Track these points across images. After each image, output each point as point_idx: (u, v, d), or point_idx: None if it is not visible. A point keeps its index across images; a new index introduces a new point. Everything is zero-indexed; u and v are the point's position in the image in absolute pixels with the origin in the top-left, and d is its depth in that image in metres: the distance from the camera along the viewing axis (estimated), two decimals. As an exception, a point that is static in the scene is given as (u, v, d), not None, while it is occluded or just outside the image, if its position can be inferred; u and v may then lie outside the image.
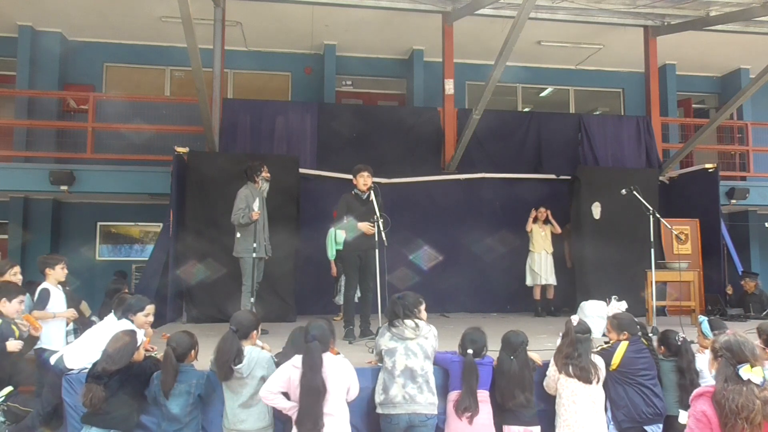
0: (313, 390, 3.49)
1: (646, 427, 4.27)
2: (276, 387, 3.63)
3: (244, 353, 3.85)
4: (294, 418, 3.56)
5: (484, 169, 9.48)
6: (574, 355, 4.16)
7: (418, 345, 4.06)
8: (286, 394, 3.65)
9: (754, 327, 4.52)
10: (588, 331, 4.33)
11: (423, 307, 4.32)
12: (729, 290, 8.72)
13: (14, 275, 5.23)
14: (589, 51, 11.33)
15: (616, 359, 4.33)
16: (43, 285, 5.30)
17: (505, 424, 4.17)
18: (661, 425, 4.32)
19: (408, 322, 4.11)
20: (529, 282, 8.77)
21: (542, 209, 8.78)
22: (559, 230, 8.81)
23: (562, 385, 4.22)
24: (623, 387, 4.30)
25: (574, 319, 4.38)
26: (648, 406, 4.26)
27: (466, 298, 9.09)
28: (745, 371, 2.71)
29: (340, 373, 3.67)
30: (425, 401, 3.96)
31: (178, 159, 7.92)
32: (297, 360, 3.62)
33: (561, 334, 4.42)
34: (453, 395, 4.18)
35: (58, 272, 5.37)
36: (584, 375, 4.13)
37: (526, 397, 4.15)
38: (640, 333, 4.47)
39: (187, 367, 3.95)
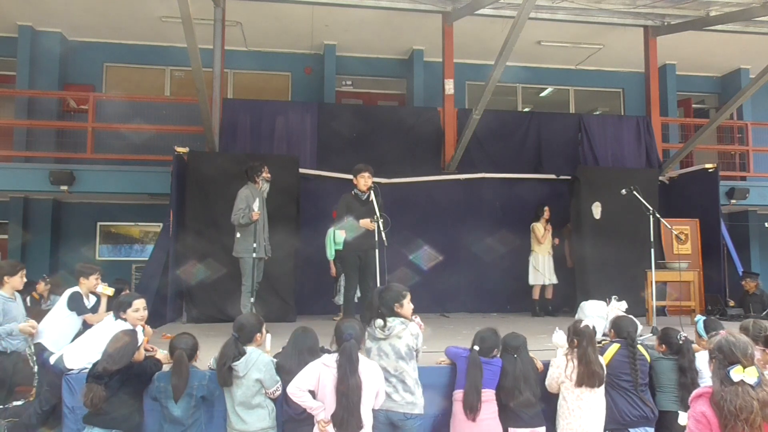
0: (353, 389, 3.47)
1: (631, 430, 4.26)
2: (305, 384, 3.59)
3: (245, 353, 3.85)
4: (318, 418, 3.55)
5: (484, 169, 9.47)
6: (591, 360, 4.11)
7: (389, 345, 4.02)
8: (312, 393, 3.63)
9: (754, 327, 4.53)
10: (594, 332, 4.34)
11: (406, 300, 4.14)
12: (731, 303, 8.60)
13: (21, 277, 5.27)
14: (589, 51, 11.33)
15: (604, 360, 4.33)
16: (75, 288, 5.37)
17: (510, 426, 4.16)
18: (650, 429, 4.30)
19: (378, 321, 4.04)
20: (531, 281, 8.76)
21: (546, 208, 8.80)
22: (557, 241, 8.83)
23: (567, 389, 4.19)
24: (607, 389, 4.27)
25: (588, 322, 4.35)
26: (634, 408, 4.24)
27: (466, 298, 9.09)
28: (736, 372, 2.70)
29: (372, 375, 3.66)
30: (401, 400, 3.95)
31: (178, 159, 7.92)
32: (328, 359, 3.61)
33: (568, 341, 4.32)
34: (458, 394, 4.17)
35: (91, 282, 5.44)
36: (592, 380, 4.10)
37: (533, 394, 4.15)
38: (626, 339, 4.44)
39: (190, 368, 3.96)
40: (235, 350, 3.85)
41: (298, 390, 3.59)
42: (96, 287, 5.46)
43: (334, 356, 3.60)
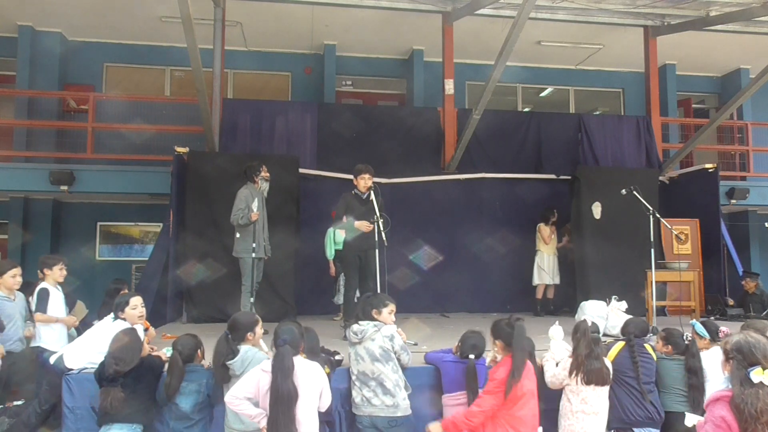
0: (284, 396, 3.31)
1: (636, 430, 4.26)
2: (242, 392, 3.45)
3: (238, 351, 3.84)
4: (261, 425, 3.44)
5: (484, 169, 9.47)
6: (593, 355, 4.11)
7: (364, 349, 4.07)
8: (253, 400, 3.50)
9: (754, 327, 4.54)
10: (598, 329, 4.35)
11: (387, 309, 4.22)
12: (731, 302, 8.64)
13: (13, 277, 5.22)
14: (589, 51, 11.32)
15: (610, 357, 4.35)
16: (42, 285, 5.31)
17: None
18: (655, 430, 4.29)
19: (353, 326, 4.13)
20: (536, 281, 8.77)
21: (555, 211, 8.83)
22: (565, 241, 8.94)
23: (572, 391, 4.17)
24: (613, 387, 4.27)
25: (588, 320, 4.37)
26: (640, 408, 4.24)
27: (466, 298, 9.08)
28: (756, 374, 2.65)
29: (312, 378, 3.51)
30: (381, 404, 3.97)
31: (178, 159, 7.92)
32: (266, 364, 3.49)
33: (571, 336, 4.33)
34: (446, 399, 4.17)
35: (56, 273, 5.38)
36: (600, 378, 4.10)
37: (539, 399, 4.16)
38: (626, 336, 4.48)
39: (197, 366, 4.01)
40: (227, 348, 3.84)
41: (235, 399, 3.45)
42: (62, 277, 5.40)
43: (271, 361, 3.47)
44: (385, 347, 4.06)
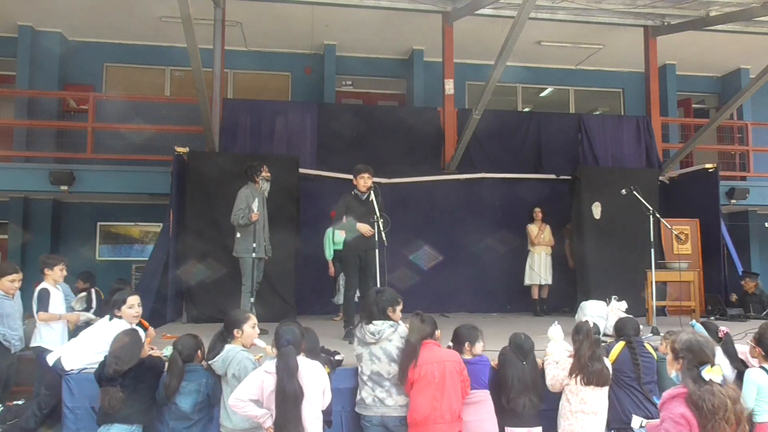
0: (290, 396, 3.34)
1: (636, 430, 4.26)
2: (246, 395, 3.46)
3: (222, 350, 3.85)
4: (266, 425, 3.45)
5: (484, 169, 9.47)
6: (595, 357, 4.12)
7: (380, 349, 4.03)
8: (257, 402, 3.50)
9: (754, 327, 4.52)
10: (598, 330, 4.35)
11: (400, 307, 4.23)
12: (733, 298, 8.65)
13: (11, 282, 5.18)
14: (589, 51, 11.32)
15: (610, 358, 4.35)
16: (42, 285, 5.31)
17: (507, 425, 4.17)
18: None
19: (368, 326, 4.07)
20: (527, 281, 8.78)
21: (538, 209, 8.82)
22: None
23: (571, 391, 4.18)
24: (613, 387, 4.27)
25: (589, 321, 4.38)
26: (639, 408, 4.24)
27: (466, 298, 9.08)
28: (707, 372, 2.76)
29: (315, 377, 3.52)
30: (395, 404, 3.97)
31: (178, 159, 7.93)
32: (269, 365, 3.49)
33: (572, 337, 4.34)
34: None
35: (56, 273, 5.38)
36: (600, 379, 4.11)
37: (539, 398, 4.18)
38: (626, 336, 4.49)
39: (197, 366, 4.00)
40: (213, 344, 3.89)
41: (239, 401, 3.46)
42: (62, 277, 5.41)
43: (275, 362, 3.47)
44: (401, 348, 4.04)
